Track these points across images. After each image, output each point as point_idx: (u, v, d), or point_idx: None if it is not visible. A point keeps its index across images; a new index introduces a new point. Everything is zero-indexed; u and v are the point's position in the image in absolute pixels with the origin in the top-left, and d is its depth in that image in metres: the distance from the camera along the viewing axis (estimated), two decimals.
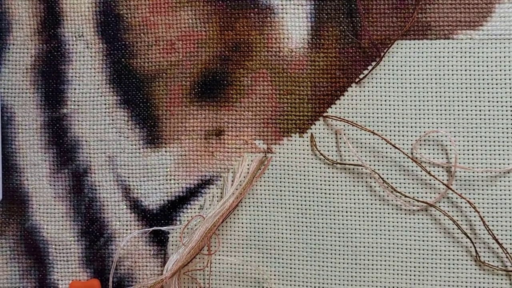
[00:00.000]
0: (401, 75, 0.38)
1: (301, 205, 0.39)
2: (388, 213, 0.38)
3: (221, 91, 0.40)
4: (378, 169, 0.38)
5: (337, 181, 0.39)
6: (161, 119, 0.40)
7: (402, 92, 0.38)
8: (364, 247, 0.38)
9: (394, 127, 0.38)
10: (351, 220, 0.38)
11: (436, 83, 0.38)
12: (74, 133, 0.41)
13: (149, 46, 0.40)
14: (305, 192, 0.39)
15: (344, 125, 0.39)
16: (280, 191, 0.39)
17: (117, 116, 0.40)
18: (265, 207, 0.39)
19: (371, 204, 0.38)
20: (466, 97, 0.37)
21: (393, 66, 0.38)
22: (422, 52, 0.38)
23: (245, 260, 0.39)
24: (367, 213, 0.38)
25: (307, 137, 0.39)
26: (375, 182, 0.38)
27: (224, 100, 0.40)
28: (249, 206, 0.39)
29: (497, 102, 0.37)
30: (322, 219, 0.39)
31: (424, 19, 0.38)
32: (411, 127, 0.38)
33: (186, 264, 0.37)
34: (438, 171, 0.38)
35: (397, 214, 0.38)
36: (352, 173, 0.39)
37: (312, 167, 0.39)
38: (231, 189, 0.38)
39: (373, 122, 0.38)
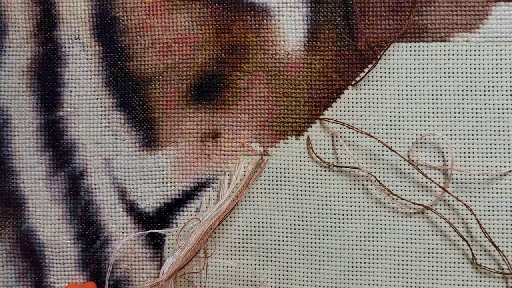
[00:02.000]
0: (398, 77, 0.38)
1: (298, 208, 0.39)
2: (385, 216, 0.38)
3: (218, 94, 0.39)
4: (375, 172, 0.38)
5: (333, 184, 0.39)
6: (157, 122, 0.40)
7: (398, 94, 0.38)
8: (360, 249, 0.38)
9: (391, 129, 0.38)
10: (348, 222, 0.38)
11: (432, 86, 0.38)
12: (70, 136, 0.41)
13: (145, 48, 0.40)
14: (301, 195, 0.39)
15: (340, 128, 0.39)
16: (277, 193, 0.39)
17: (113, 119, 0.40)
18: (262, 209, 0.39)
19: (368, 206, 0.38)
20: (463, 99, 0.37)
21: (389, 68, 0.38)
22: (419, 55, 0.38)
23: (242, 263, 0.39)
24: (364, 215, 0.38)
25: (303, 140, 0.39)
26: (371, 185, 0.38)
27: (220, 103, 0.39)
28: (246, 209, 0.39)
29: (494, 104, 0.37)
30: (319, 221, 0.39)
31: (420, 21, 0.38)
32: (408, 129, 0.38)
33: (182, 267, 0.37)
34: (435, 174, 0.38)
35: (393, 216, 0.38)
36: (349, 176, 0.39)
37: (309, 170, 0.39)
38: (227, 191, 0.38)
39: (370, 124, 0.38)
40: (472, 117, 0.37)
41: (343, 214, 0.39)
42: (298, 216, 0.39)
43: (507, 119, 0.37)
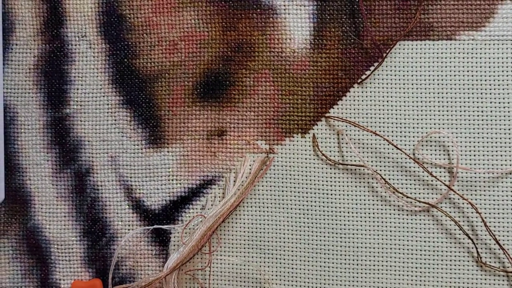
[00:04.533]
0: (403, 76, 0.38)
1: (303, 205, 0.39)
2: (390, 214, 0.38)
3: (224, 92, 0.40)
4: (380, 170, 0.38)
5: (339, 182, 0.39)
6: (163, 119, 0.40)
7: (404, 92, 0.38)
8: (365, 247, 0.38)
9: (396, 127, 0.38)
10: (353, 220, 0.39)
11: (438, 84, 0.38)
12: (77, 133, 0.41)
13: (152, 46, 0.40)
14: (306, 193, 0.39)
15: (346, 126, 0.39)
16: (282, 191, 0.39)
17: (119, 116, 0.40)
18: (267, 207, 0.39)
19: (373, 204, 0.38)
20: (468, 98, 0.37)
21: (395, 67, 0.38)
22: (425, 53, 0.38)
23: (246, 260, 0.39)
24: (369, 213, 0.38)
25: (309, 138, 0.39)
26: (377, 183, 0.38)
27: (226, 101, 0.40)
28: (251, 206, 0.39)
29: (499, 103, 0.37)
30: (324, 219, 0.39)
31: (426, 19, 0.38)
32: (413, 127, 0.38)
33: (185, 262, 0.37)
34: (440, 172, 0.38)
35: (398, 214, 0.38)
36: (354, 174, 0.39)
37: (314, 168, 0.39)
38: (233, 189, 0.38)
39: (375, 122, 0.38)
40: (478, 115, 0.37)
41: (348, 212, 0.39)
42: (303, 214, 0.39)
43: None
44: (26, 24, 0.41)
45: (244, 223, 0.40)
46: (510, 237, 0.37)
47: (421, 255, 0.38)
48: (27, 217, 0.41)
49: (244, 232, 0.40)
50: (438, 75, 0.38)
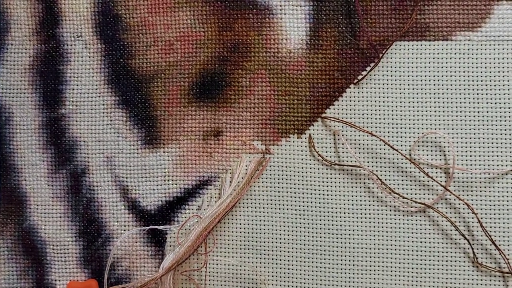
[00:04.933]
0: (400, 76, 0.38)
1: (299, 206, 0.39)
2: (386, 215, 0.38)
3: (220, 92, 0.40)
4: (376, 170, 0.38)
5: (335, 182, 0.39)
6: (159, 120, 0.40)
7: (400, 93, 0.38)
8: (361, 248, 0.38)
9: (393, 128, 0.38)
10: (349, 221, 0.38)
11: (434, 85, 0.38)
12: (72, 134, 0.41)
13: (148, 46, 0.40)
14: (303, 193, 0.39)
15: (342, 126, 0.39)
16: (278, 192, 0.39)
17: (115, 117, 0.40)
18: (263, 208, 0.39)
19: (369, 205, 0.38)
20: (465, 98, 0.37)
21: (391, 67, 0.38)
22: (421, 53, 0.38)
23: (242, 261, 0.39)
24: (365, 214, 0.38)
25: (305, 138, 0.39)
26: (373, 184, 0.38)
27: (222, 101, 0.40)
28: (247, 207, 0.39)
29: (495, 103, 0.37)
30: (320, 220, 0.39)
31: (422, 20, 0.38)
32: (409, 128, 0.38)
33: (181, 262, 0.37)
34: (436, 173, 0.38)
35: (395, 215, 0.38)
36: (350, 174, 0.39)
37: (310, 168, 0.39)
38: (229, 189, 0.38)
39: (372, 123, 0.38)
40: (474, 116, 0.37)
41: (344, 213, 0.39)
42: (299, 215, 0.39)
43: (509, 118, 0.37)
44: (21, 24, 0.41)
45: (240, 224, 0.39)
46: (506, 237, 0.37)
47: (417, 255, 0.38)
48: (22, 217, 0.41)
49: (240, 232, 0.39)
50: (434, 76, 0.38)
